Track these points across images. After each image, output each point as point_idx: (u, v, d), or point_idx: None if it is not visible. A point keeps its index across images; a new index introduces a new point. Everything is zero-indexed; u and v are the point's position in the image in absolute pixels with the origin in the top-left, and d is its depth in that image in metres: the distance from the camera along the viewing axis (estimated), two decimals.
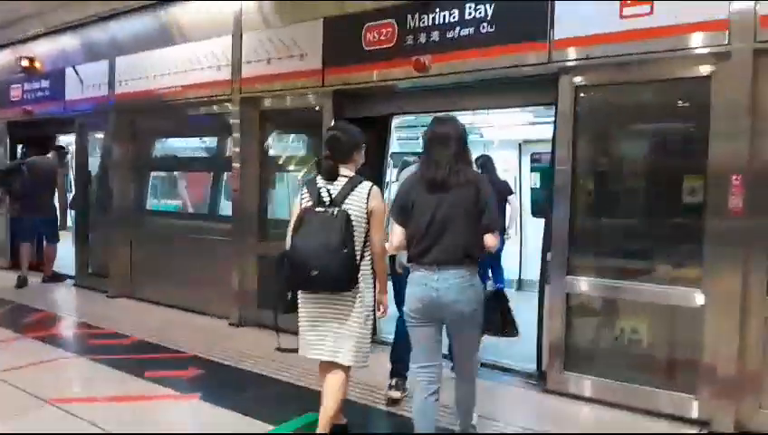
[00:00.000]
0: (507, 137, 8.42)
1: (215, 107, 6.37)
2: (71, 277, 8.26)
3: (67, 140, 9.60)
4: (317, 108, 5.48)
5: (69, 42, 8.03)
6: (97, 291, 7.54)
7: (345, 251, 3.00)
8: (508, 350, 4.69)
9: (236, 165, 6.04)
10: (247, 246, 6.06)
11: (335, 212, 3.05)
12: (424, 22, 4.71)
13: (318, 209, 3.10)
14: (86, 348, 5.22)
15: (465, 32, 4.51)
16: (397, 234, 3.05)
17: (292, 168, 6.16)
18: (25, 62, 8.38)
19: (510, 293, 3.90)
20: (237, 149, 6.03)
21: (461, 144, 3.02)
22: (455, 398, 3.22)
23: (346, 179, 3.18)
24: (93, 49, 7.64)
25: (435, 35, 4.66)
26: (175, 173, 7.57)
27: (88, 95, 7.63)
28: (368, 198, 3.14)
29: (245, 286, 6.06)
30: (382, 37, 4.96)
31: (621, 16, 3.86)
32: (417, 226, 2.96)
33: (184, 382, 4.40)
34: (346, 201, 3.11)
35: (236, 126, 6.03)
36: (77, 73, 7.73)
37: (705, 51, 3.63)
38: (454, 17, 4.56)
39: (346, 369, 3.20)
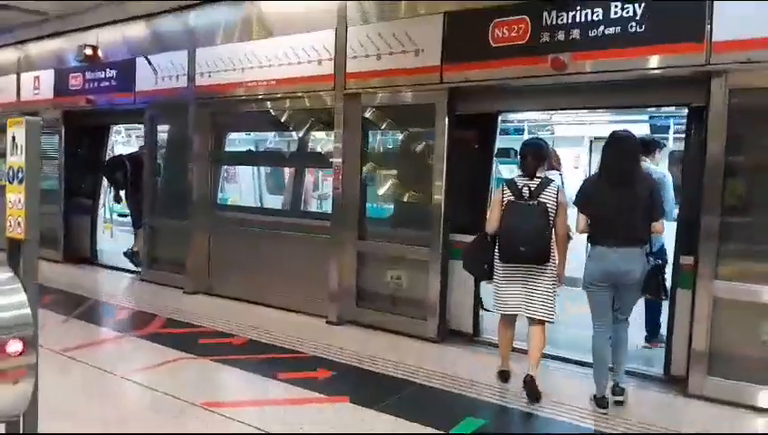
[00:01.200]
0: (577, 133, 8.41)
1: (312, 102, 6.25)
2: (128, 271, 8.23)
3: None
4: (430, 104, 5.39)
5: (139, 31, 7.85)
6: (167, 286, 7.41)
7: (546, 233, 3.99)
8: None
9: (338, 160, 5.94)
10: (347, 243, 5.97)
11: (535, 203, 4.06)
12: (562, 19, 4.63)
13: (521, 202, 4.09)
14: (200, 348, 5.11)
15: (609, 30, 4.44)
16: (581, 221, 4.01)
17: (394, 164, 6.06)
18: (89, 51, 8.17)
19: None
20: (339, 145, 5.93)
21: (637, 153, 4.08)
22: (614, 340, 4.07)
23: (539, 179, 4.19)
24: (169, 39, 7.47)
25: (575, 33, 4.58)
26: (262, 168, 7.44)
27: (162, 87, 7.47)
28: (557, 194, 4.13)
29: (344, 283, 5.98)
30: (513, 33, 4.87)
31: None
32: (600, 215, 3.94)
33: (321, 384, 4.32)
34: (541, 195, 4.10)
35: (339, 121, 5.92)
36: (150, 64, 7.55)
37: None
38: (597, 16, 4.49)
39: (541, 323, 4.15)
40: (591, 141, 8.34)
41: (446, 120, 5.32)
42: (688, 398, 4.27)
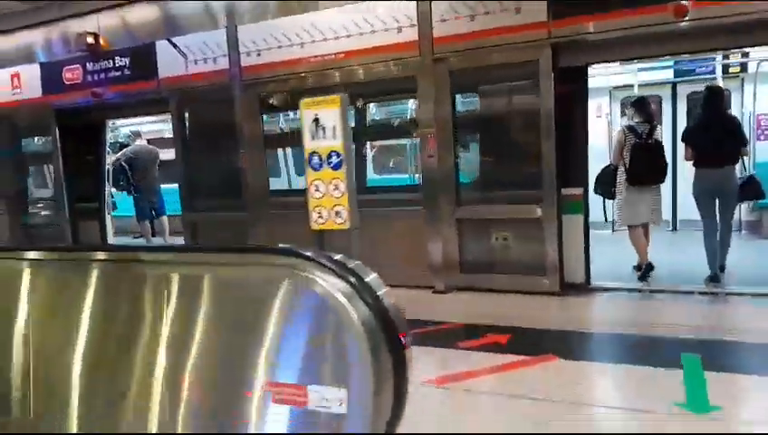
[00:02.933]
0: (598, 85, 8.70)
1: (391, 71, 6.03)
2: None
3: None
4: (533, 61, 5.40)
5: (151, 13, 7.16)
6: None
7: (666, 162, 5.82)
8: None
9: (429, 130, 5.82)
10: (445, 212, 5.91)
11: (654, 141, 5.71)
12: None
13: (643, 141, 5.66)
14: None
15: None
16: (689, 151, 5.58)
17: (488, 127, 6.01)
18: (90, 39, 7.36)
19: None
20: (430, 113, 5.81)
21: (725, 100, 6.02)
22: (719, 239, 5.51)
23: (649, 124, 5.76)
24: (194, 19, 6.89)
25: None
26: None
27: (196, 71, 6.89)
28: (661, 134, 5.92)
29: (447, 251, 5.93)
30: None
31: None
32: (702, 146, 5.46)
33: (511, 347, 4.22)
34: (654, 135, 5.72)
35: (427, 88, 5.79)
36: (175, 47, 6.92)
37: None
38: None
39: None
40: (611, 91, 8.69)
41: (552, 76, 5.37)
42: None
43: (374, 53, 5.98)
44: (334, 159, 2.50)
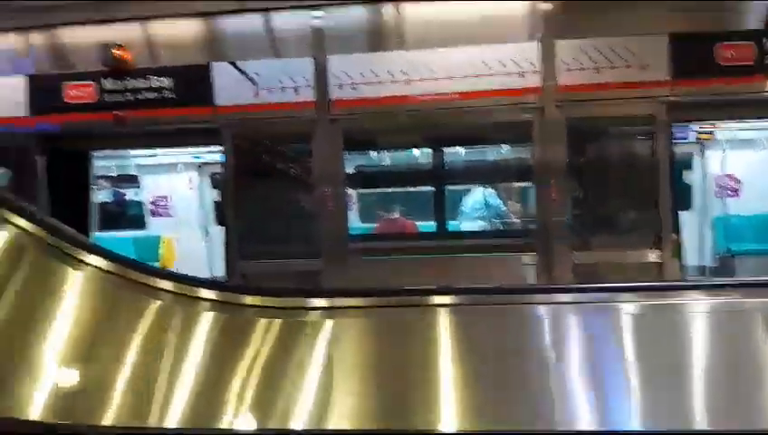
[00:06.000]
0: None
1: (506, 115, 5.99)
2: None
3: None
4: (648, 115, 5.83)
5: (210, 29, 6.27)
6: None
7: None
8: None
9: (542, 175, 5.88)
10: (560, 257, 5.92)
11: None
12: None
13: None
14: None
15: None
16: None
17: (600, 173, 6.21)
18: (118, 53, 6.16)
19: None
20: (544, 157, 5.88)
21: None
22: None
23: None
24: (273, 43, 6.18)
25: None
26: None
27: (267, 101, 6.11)
28: None
29: None
30: (737, 54, 5.68)
31: None
32: None
33: None
34: None
35: (543, 133, 5.87)
36: (242, 72, 6.10)
37: None
38: None
39: None
40: None
41: (668, 129, 5.83)
42: None
43: (491, 96, 5.93)
44: None
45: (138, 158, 8.72)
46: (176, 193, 9.04)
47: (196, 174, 8.99)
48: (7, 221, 2.28)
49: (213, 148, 7.30)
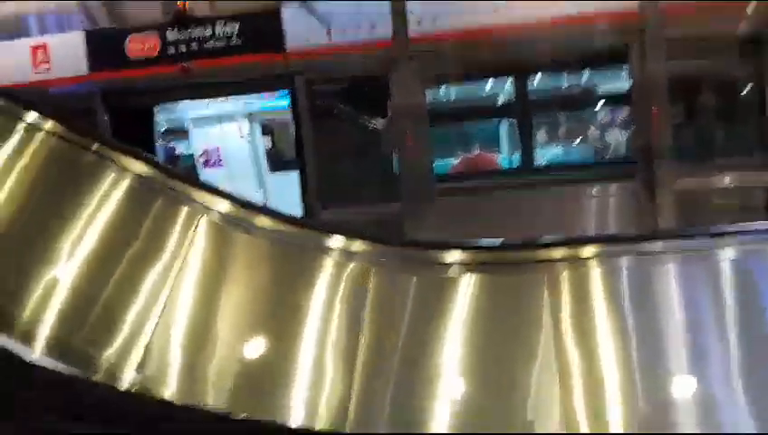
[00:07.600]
0: None
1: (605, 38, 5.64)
2: None
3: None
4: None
5: None
6: None
7: None
8: None
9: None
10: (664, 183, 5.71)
11: None
12: None
13: None
14: None
15: None
16: None
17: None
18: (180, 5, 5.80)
19: None
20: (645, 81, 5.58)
21: None
22: None
23: None
24: None
25: None
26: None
27: (341, 42, 5.77)
28: None
29: None
30: None
31: None
32: None
33: None
34: None
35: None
36: (314, 14, 5.73)
37: None
38: None
39: None
40: None
41: None
42: None
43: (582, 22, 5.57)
44: None
45: (188, 111, 8.42)
46: (228, 143, 8.79)
47: (247, 123, 8.71)
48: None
49: (268, 96, 7.05)
